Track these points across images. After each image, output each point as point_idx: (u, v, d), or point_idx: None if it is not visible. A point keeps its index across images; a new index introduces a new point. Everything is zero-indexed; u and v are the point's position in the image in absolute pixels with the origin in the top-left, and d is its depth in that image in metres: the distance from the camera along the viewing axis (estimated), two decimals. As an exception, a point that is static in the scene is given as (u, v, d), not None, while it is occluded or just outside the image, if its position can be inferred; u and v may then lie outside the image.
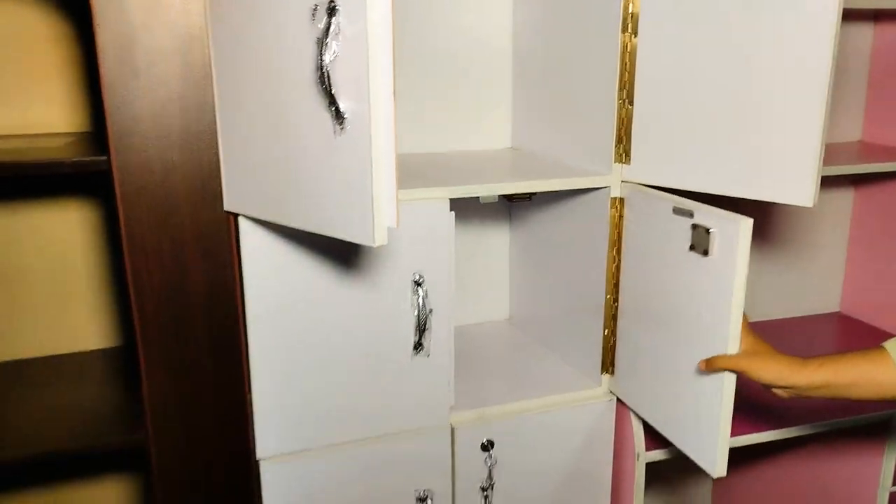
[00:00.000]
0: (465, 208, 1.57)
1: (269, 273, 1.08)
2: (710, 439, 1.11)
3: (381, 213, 0.84)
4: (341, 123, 0.83)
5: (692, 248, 1.08)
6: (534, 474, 1.32)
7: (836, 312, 1.94)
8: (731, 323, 1.04)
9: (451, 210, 1.16)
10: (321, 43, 0.81)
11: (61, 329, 1.35)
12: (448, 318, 1.20)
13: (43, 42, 1.24)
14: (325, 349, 1.14)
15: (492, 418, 1.28)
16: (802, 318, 1.91)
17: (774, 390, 1.07)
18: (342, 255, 1.12)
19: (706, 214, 1.06)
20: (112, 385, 1.26)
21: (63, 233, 1.30)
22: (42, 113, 1.25)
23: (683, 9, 1.12)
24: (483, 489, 1.29)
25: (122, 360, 1.34)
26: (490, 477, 1.29)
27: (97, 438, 1.10)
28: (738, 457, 1.95)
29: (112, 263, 1.35)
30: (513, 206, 1.59)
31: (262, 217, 1.01)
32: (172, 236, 1.03)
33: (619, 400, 1.35)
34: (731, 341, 1.05)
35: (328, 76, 0.81)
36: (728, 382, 1.07)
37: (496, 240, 1.62)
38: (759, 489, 1.91)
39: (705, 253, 1.06)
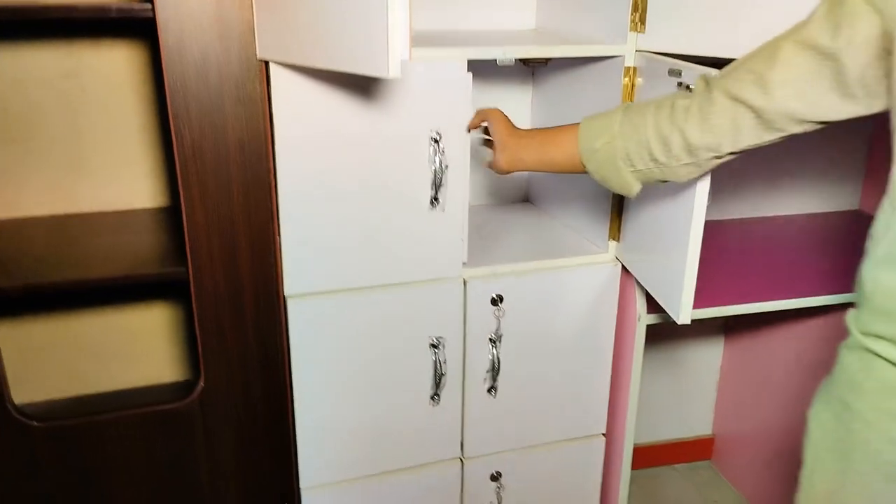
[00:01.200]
0: (488, 73, 1.63)
1: (297, 116, 1.17)
2: (676, 291, 1.20)
3: (396, 45, 0.92)
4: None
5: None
6: (540, 330, 1.42)
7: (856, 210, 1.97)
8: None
9: (468, 71, 1.23)
10: None
11: (118, 188, 1.48)
12: (464, 176, 1.29)
13: None
14: (348, 195, 1.25)
15: (502, 275, 1.37)
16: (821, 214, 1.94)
17: (495, 158, 1.24)
18: (364, 104, 1.20)
19: (691, 72, 1.10)
20: (161, 234, 1.39)
21: (113, 82, 1.41)
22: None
23: None
24: (492, 340, 1.40)
25: (170, 216, 1.47)
26: (499, 329, 1.39)
27: (147, 269, 1.24)
28: (749, 323, 2.02)
29: (160, 118, 1.46)
30: (534, 75, 1.65)
31: (290, 61, 1.10)
32: (209, 83, 1.13)
33: (624, 268, 1.43)
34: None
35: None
36: (694, 238, 1.15)
37: (519, 107, 1.69)
38: (767, 358, 1.98)
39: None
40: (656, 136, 1.02)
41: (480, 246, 1.47)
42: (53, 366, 1.52)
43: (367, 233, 1.28)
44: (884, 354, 0.82)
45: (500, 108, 1.30)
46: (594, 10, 1.38)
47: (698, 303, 1.36)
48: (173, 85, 1.11)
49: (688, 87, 1.09)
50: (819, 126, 0.91)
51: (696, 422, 2.21)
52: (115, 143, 1.45)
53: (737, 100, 0.93)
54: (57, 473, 1.24)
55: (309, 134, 1.19)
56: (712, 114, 0.95)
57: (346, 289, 1.30)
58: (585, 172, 1.13)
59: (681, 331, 2.07)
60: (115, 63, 1.39)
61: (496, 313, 1.38)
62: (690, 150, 0.99)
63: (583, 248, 1.46)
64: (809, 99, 0.88)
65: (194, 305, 1.23)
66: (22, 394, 1.23)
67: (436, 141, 1.26)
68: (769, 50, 0.90)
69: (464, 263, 1.36)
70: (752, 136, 0.95)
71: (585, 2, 1.41)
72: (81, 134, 1.42)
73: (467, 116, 1.27)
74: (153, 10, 1.08)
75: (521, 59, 1.48)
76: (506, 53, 1.26)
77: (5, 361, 1.20)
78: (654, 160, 1.04)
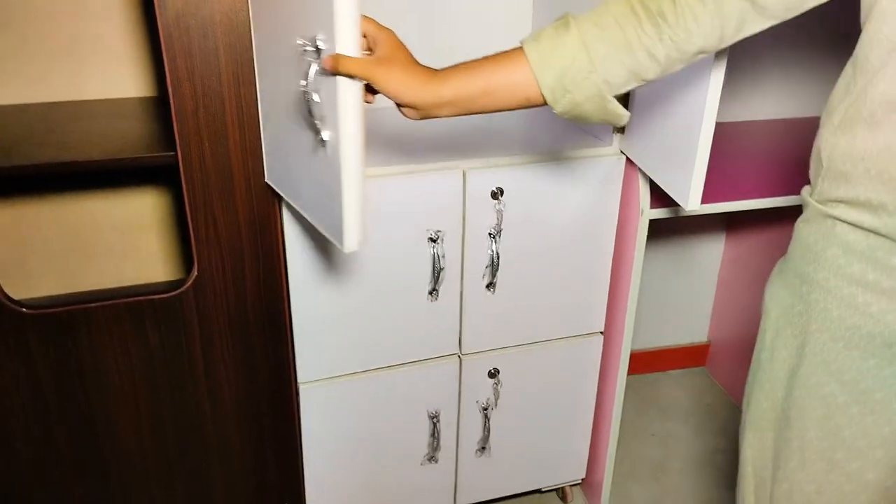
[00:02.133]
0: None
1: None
2: (686, 177, 1.16)
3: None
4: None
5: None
6: (540, 225, 1.39)
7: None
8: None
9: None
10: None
11: (102, 75, 1.42)
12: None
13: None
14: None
15: (502, 166, 1.33)
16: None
17: (403, 110, 0.92)
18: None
19: None
20: (149, 121, 1.33)
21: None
22: None
23: None
24: (491, 235, 1.37)
25: (158, 105, 1.41)
26: (499, 223, 1.36)
27: (136, 153, 1.19)
28: (750, 225, 2.00)
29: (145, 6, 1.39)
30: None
31: None
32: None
33: (628, 161, 1.39)
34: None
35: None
36: (707, 125, 1.10)
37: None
38: (767, 260, 1.98)
39: None
40: (646, 55, 0.85)
41: (481, 138, 1.43)
42: (43, 263, 1.49)
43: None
44: (844, 217, 0.81)
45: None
46: None
47: (702, 199, 1.33)
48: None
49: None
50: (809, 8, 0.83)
51: (692, 329, 2.22)
52: (99, 31, 1.38)
53: None
54: (51, 362, 1.22)
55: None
56: (705, 13, 0.83)
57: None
58: (539, 106, 0.91)
59: (682, 230, 2.05)
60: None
61: (496, 206, 1.35)
62: (685, 57, 0.86)
63: (586, 141, 1.42)
64: None
65: (184, 190, 1.19)
66: (11, 292, 1.20)
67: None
68: None
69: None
70: (752, 26, 0.84)
71: None
72: (64, 22, 1.35)
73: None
74: None
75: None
76: None
77: (-8, 248, 1.17)
78: (644, 80, 0.88)
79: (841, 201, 0.81)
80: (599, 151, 1.39)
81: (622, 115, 0.91)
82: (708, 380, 2.25)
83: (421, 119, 0.93)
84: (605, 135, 1.40)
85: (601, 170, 1.39)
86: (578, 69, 0.85)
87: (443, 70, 0.91)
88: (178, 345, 1.28)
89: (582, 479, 1.75)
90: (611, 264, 1.49)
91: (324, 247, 1.29)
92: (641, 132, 1.32)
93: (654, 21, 0.83)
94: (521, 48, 0.88)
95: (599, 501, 1.71)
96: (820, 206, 0.84)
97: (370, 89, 0.91)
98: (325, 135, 0.91)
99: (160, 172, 1.47)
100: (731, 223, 2.07)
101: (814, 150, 0.86)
